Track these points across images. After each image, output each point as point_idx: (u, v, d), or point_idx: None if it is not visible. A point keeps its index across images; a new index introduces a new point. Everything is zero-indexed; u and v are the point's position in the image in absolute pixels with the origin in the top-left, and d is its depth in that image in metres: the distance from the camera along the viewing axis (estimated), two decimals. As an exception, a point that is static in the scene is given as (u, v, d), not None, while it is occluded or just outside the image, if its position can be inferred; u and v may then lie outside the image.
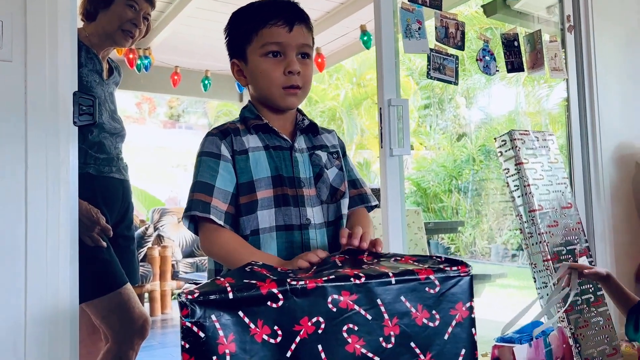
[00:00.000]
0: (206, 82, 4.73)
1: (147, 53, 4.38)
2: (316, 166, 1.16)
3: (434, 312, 0.73)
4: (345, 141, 1.31)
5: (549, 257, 2.08)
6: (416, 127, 11.15)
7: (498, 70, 2.34)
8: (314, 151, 1.18)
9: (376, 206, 1.28)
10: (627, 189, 2.67)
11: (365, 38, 3.83)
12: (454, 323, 0.74)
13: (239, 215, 1.09)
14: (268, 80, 1.12)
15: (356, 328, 0.69)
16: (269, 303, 0.67)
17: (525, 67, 2.41)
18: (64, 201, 1.37)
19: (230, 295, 0.66)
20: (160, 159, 14.03)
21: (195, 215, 1.04)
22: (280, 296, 0.67)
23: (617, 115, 2.64)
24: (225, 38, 1.21)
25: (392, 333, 0.71)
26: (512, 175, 2.21)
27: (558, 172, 2.29)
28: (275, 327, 0.67)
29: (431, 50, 2.10)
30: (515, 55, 2.38)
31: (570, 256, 2.14)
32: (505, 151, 2.24)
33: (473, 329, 0.76)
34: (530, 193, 2.15)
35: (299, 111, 1.22)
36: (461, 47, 2.20)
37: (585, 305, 2.10)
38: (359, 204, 1.24)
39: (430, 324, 0.73)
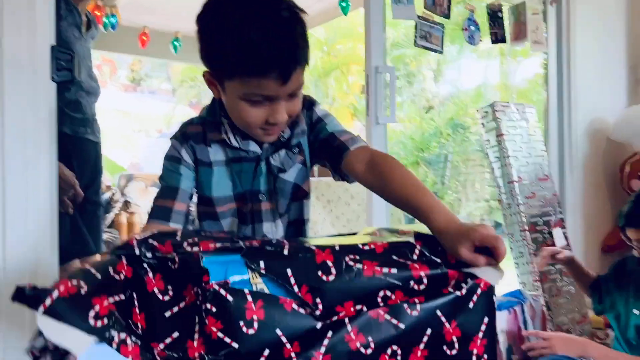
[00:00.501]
0: (176, 43, 4.57)
1: (114, 11, 4.19)
2: (270, 175, 1.02)
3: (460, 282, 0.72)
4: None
5: (525, 227, 2.12)
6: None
7: (482, 41, 2.34)
8: (270, 155, 1.02)
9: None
10: (598, 162, 2.74)
11: (343, 4, 3.75)
12: (479, 291, 0.74)
13: (199, 218, 1.06)
14: (245, 121, 0.94)
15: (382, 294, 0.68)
16: (319, 273, 0.65)
17: (507, 38, 2.41)
18: (44, 162, 1.30)
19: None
20: (121, 123, 13.65)
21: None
22: (333, 270, 0.65)
23: (591, 90, 2.68)
24: (199, 41, 0.92)
25: (417, 300, 0.70)
26: (492, 147, 2.23)
27: (536, 145, 2.32)
28: (318, 300, 0.65)
29: (418, 17, 2.07)
30: (499, 27, 2.38)
31: (546, 227, 2.19)
32: (487, 122, 2.25)
33: (494, 297, 0.75)
34: (509, 164, 2.18)
35: None
36: (447, 16, 2.18)
37: (558, 275, 2.17)
38: (349, 146, 0.98)
39: (457, 293, 0.72)
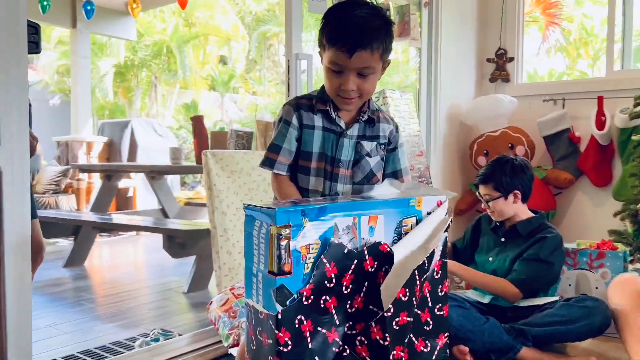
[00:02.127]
0: (45, 3, 4.29)
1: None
2: (357, 153, 1.39)
3: None
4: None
5: (407, 194, 2.58)
6: (243, 72, 11.27)
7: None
8: (360, 140, 1.39)
9: None
10: (452, 142, 3.33)
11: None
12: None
13: (296, 171, 1.40)
14: (327, 86, 1.35)
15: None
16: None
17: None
18: (21, 132, 1.37)
19: None
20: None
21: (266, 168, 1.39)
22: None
23: (450, 81, 3.24)
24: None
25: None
26: (381, 126, 2.64)
27: (414, 126, 2.79)
28: None
29: (328, 11, 2.37)
30: (387, 24, 2.77)
31: (421, 194, 2.68)
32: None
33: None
34: (395, 142, 2.61)
35: (369, 101, 1.41)
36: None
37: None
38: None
39: None
